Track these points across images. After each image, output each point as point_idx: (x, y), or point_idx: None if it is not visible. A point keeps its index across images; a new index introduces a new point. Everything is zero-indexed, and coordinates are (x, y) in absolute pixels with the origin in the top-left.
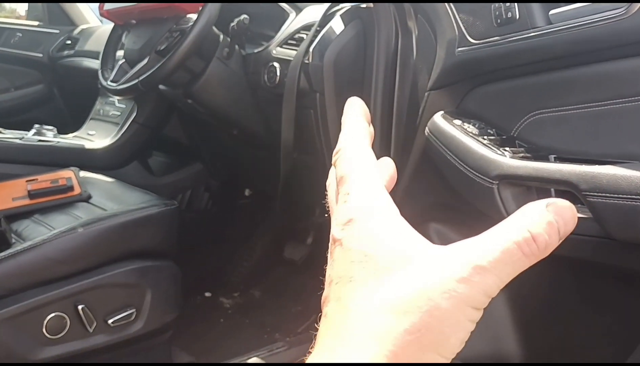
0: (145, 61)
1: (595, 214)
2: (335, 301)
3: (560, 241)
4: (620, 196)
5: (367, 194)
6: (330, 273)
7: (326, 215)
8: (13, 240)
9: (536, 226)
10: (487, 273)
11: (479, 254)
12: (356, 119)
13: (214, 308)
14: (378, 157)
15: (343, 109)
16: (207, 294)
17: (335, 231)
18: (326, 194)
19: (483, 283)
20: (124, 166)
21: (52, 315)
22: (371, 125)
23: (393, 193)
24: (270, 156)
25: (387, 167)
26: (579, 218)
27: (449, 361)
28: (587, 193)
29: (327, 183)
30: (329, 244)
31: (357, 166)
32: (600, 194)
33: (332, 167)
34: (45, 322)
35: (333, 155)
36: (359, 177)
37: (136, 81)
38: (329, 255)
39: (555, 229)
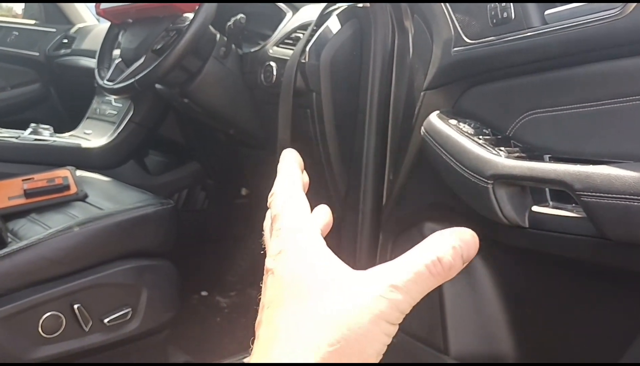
0: (142, 60)
1: (589, 214)
2: (267, 324)
3: (465, 264)
4: (614, 195)
5: (296, 228)
6: (263, 300)
7: (262, 251)
8: (9, 239)
9: (442, 251)
10: (401, 291)
11: (394, 275)
12: (290, 167)
13: (210, 307)
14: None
15: (339, 109)
16: (204, 293)
17: (268, 262)
18: (263, 234)
19: (397, 300)
20: (120, 165)
21: (48, 314)
22: (305, 172)
23: (388, 194)
24: (266, 155)
25: (323, 215)
26: (573, 217)
27: None
28: (581, 193)
29: (264, 225)
30: (263, 276)
31: (288, 205)
32: (594, 194)
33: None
34: (41, 321)
35: (268, 197)
36: (289, 214)
37: (132, 80)
38: (262, 285)
39: (458, 253)
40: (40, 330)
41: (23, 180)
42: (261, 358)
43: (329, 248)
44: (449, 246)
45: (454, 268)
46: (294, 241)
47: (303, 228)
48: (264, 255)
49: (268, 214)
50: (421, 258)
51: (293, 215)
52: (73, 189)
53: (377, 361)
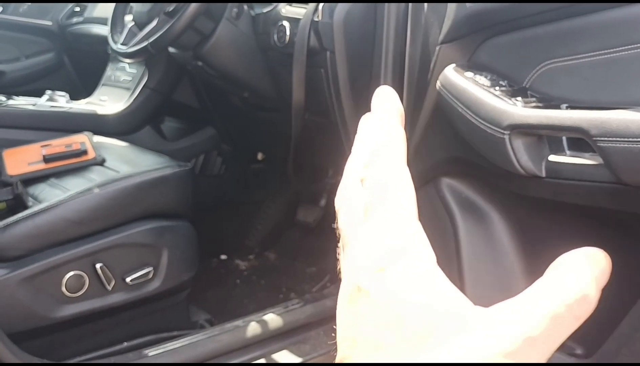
0: (154, 22)
1: (606, 160)
2: None
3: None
4: (631, 139)
5: (404, 234)
6: (354, 332)
7: (337, 255)
8: (30, 203)
9: (585, 285)
10: (539, 344)
11: (529, 324)
12: (393, 122)
13: (229, 271)
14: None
15: (354, 67)
16: (223, 257)
17: (361, 277)
18: (335, 215)
19: (533, 355)
20: (136, 131)
21: (71, 273)
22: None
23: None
24: (281, 118)
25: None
26: (590, 165)
27: None
28: (598, 138)
29: (339, 201)
30: (348, 290)
31: (394, 193)
32: (610, 138)
33: (344, 185)
34: (64, 281)
35: (356, 161)
36: (395, 210)
37: (146, 43)
38: (346, 303)
39: (600, 285)
40: (64, 289)
41: (41, 146)
42: None
43: None
44: (591, 278)
45: (595, 303)
46: (402, 256)
47: (412, 234)
48: (281, 220)
49: (348, 187)
50: (561, 294)
51: (399, 211)
52: (91, 154)
53: None
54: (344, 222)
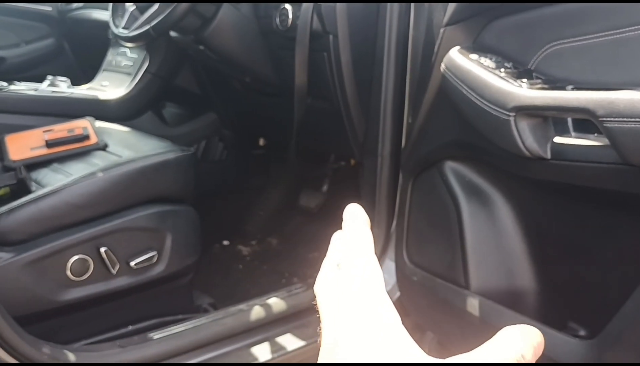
0: (156, 6)
1: (612, 140)
2: None
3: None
4: (638, 119)
5: (373, 303)
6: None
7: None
8: (33, 187)
9: (526, 351)
10: None
11: None
12: (362, 226)
13: (232, 256)
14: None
15: (357, 51)
16: (225, 242)
17: (339, 340)
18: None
19: None
20: (138, 116)
21: (76, 257)
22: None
23: (407, 137)
24: (283, 103)
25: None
26: (595, 146)
27: None
28: (605, 119)
29: (319, 286)
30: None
31: (364, 272)
32: (617, 119)
33: (323, 274)
34: (69, 265)
35: (333, 256)
36: (365, 285)
37: (147, 26)
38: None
39: (538, 353)
40: (68, 272)
41: (44, 131)
42: None
43: (350, 197)
44: (529, 345)
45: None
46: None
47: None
48: (283, 205)
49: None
50: (506, 355)
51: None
52: (93, 139)
53: None
54: (323, 301)
